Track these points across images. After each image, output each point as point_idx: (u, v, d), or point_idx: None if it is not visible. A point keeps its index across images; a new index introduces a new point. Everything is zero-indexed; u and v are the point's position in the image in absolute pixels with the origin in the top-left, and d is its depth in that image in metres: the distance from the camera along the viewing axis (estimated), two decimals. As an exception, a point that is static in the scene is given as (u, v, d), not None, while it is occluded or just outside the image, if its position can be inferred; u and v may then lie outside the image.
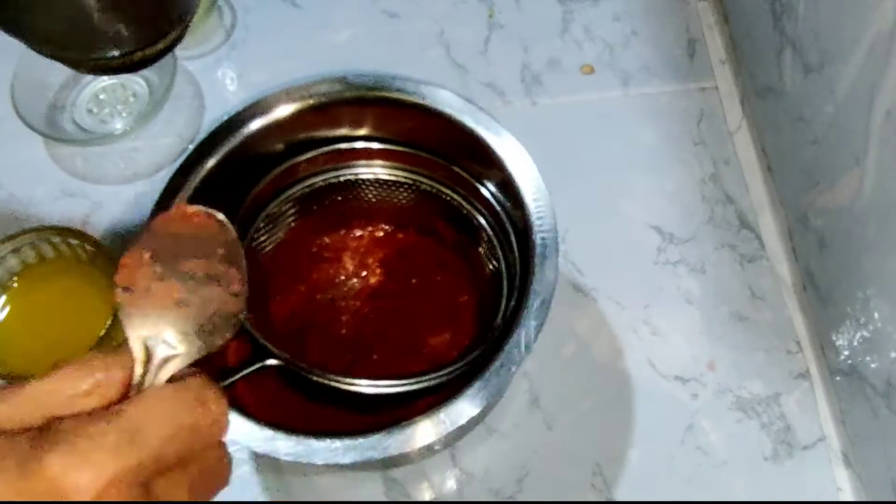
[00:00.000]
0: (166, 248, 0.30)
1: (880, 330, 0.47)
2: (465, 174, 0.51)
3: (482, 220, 0.51)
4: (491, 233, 0.51)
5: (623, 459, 0.53)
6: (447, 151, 0.51)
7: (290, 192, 0.52)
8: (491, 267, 0.51)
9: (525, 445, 0.53)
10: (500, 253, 0.50)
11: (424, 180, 0.52)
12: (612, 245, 0.59)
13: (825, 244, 0.53)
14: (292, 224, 0.53)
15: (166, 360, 0.28)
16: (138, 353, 0.28)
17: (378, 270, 0.55)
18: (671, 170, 0.62)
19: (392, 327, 0.53)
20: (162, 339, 0.28)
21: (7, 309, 0.54)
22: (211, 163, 0.49)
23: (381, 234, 0.56)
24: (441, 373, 0.45)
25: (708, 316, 0.57)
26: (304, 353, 0.51)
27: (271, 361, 0.44)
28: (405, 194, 0.54)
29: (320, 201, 0.53)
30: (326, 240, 0.55)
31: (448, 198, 0.52)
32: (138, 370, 0.27)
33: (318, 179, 0.52)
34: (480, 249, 0.52)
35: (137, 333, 0.28)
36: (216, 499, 0.53)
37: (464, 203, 0.52)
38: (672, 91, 0.65)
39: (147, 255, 0.30)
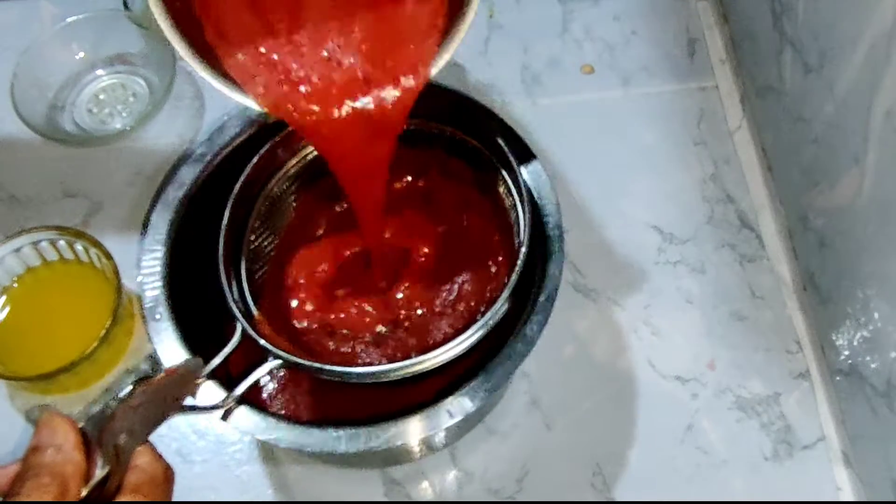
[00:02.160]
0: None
1: (880, 330, 0.47)
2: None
3: (495, 160, 0.50)
4: (505, 173, 0.49)
5: (623, 459, 0.53)
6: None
7: (287, 167, 0.50)
8: (509, 202, 0.50)
9: (525, 445, 0.53)
10: (514, 192, 0.48)
11: (434, 124, 0.51)
12: (612, 245, 0.59)
13: (825, 244, 0.53)
14: (295, 203, 0.52)
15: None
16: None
17: (402, 225, 0.53)
18: (671, 170, 0.62)
19: (428, 284, 0.51)
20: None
21: (7, 309, 0.54)
22: (206, 170, 0.49)
23: (399, 185, 0.54)
24: (442, 352, 0.43)
25: (708, 316, 0.57)
26: (336, 333, 0.50)
27: (274, 362, 0.43)
28: (414, 141, 0.51)
29: (322, 170, 0.50)
30: (338, 208, 0.53)
31: (459, 137, 0.51)
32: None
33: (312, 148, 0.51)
34: (500, 189, 0.50)
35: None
36: (218, 498, 0.54)
37: (472, 140, 0.50)
38: (672, 91, 0.65)
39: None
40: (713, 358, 0.56)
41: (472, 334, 0.43)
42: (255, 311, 0.47)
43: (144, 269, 0.46)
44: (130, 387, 0.35)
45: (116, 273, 0.52)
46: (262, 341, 0.43)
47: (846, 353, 0.52)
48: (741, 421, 0.54)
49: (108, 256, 0.52)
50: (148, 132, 0.63)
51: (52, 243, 0.54)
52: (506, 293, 0.44)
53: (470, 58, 0.67)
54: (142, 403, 0.35)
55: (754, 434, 0.54)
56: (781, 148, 0.59)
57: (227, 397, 0.42)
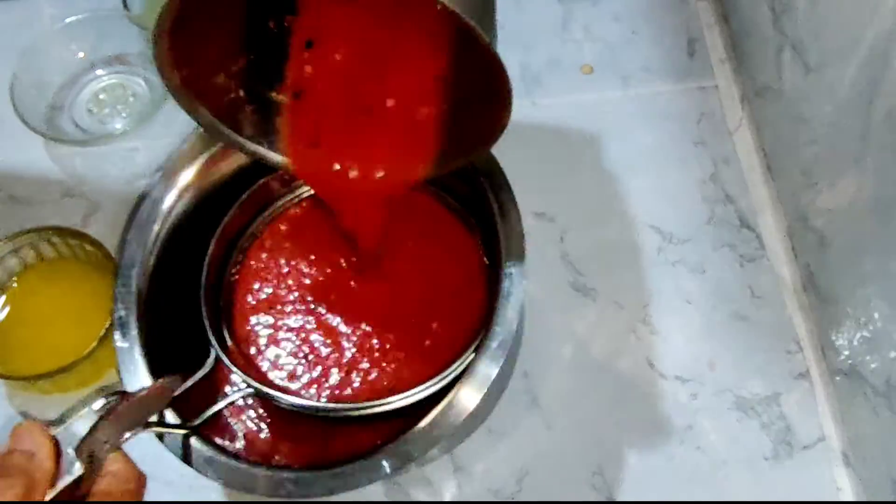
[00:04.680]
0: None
1: (880, 330, 0.47)
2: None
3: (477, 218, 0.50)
4: (484, 233, 0.50)
5: (623, 459, 0.53)
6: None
7: (273, 208, 0.53)
8: (487, 261, 0.50)
9: (525, 445, 0.53)
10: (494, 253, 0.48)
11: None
12: (611, 245, 0.59)
13: (825, 244, 0.53)
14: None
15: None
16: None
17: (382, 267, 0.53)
18: (671, 170, 0.62)
19: (401, 325, 0.51)
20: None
21: (7, 309, 0.54)
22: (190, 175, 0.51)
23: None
24: (404, 395, 0.45)
25: (708, 316, 0.57)
26: (307, 367, 0.50)
27: (244, 391, 0.45)
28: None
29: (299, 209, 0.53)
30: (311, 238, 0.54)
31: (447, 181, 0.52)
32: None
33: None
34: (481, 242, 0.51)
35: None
36: (212, 498, 0.54)
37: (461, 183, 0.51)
38: (672, 91, 0.65)
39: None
40: (713, 358, 0.56)
41: (440, 380, 0.45)
42: (229, 342, 0.49)
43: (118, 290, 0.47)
44: (104, 400, 0.36)
45: (116, 273, 0.52)
46: (234, 368, 0.45)
47: (846, 353, 0.52)
48: (741, 421, 0.54)
49: (108, 256, 0.52)
50: (148, 132, 0.62)
51: (52, 243, 0.54)
52: (475, 344, 0.45)
53: (470, 58, 0.67)
54: (121, 416, 0.36)
55: (754, 434, 0.54)
56: (781, 148, 0.59)
57: (195, 420, 0.44)
